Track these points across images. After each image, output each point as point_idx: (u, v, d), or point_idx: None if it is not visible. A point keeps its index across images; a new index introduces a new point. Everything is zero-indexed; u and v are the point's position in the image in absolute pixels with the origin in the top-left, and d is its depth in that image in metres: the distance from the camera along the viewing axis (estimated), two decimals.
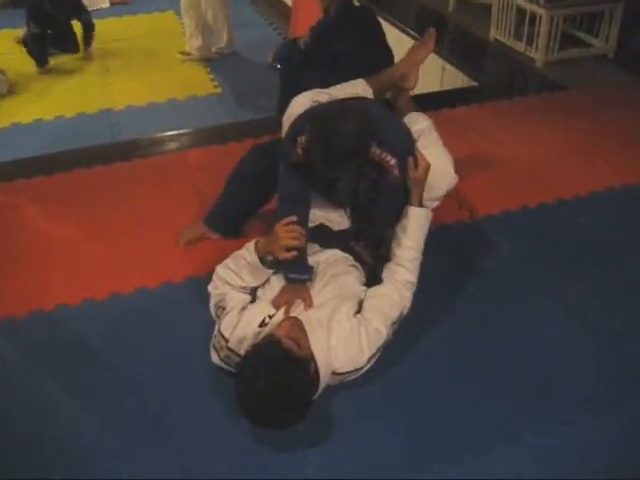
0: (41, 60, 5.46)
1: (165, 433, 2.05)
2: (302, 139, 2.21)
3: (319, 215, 2.47)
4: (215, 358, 2.15)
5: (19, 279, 2.70)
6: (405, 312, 2.22)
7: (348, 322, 2.09)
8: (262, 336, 2.04)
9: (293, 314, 2.13)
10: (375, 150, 2.21)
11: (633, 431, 2.04)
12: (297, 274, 2.26)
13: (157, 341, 2.39)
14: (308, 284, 2.27)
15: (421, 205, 2.32)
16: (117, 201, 3.20)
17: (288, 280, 2.27)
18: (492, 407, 2.11)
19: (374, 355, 2.09)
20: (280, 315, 2.13)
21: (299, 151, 2.24)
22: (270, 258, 2.26)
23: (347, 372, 2.06)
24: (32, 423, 2.10)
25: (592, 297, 2.55)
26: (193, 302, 2.52)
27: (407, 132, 2.41)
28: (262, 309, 2.17)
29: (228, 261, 2.32)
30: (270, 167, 2.45)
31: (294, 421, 1.91)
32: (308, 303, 2.20)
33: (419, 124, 2.49)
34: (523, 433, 2.02)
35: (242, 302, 2.23)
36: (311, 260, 2.34)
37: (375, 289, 2.25)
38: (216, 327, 2.20)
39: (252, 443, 2.00)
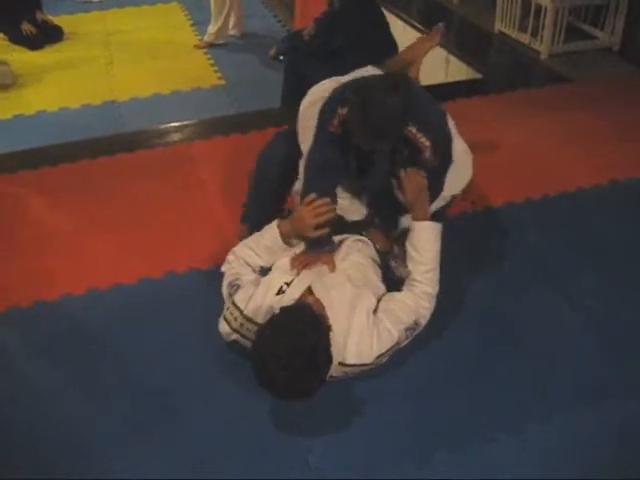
0: (29, 44, 5.57)
1: (169, 420, 2.06)
2: (342, 110, 2.16)
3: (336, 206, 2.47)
4: (225, 328, 2.13)
5: (23, 269, 2.71)
6: (423, 322, 2.18)
7: (366, 316, 2.08)
8: (282, 304, 2.03)
9: (314, 280, 2.12)
10: (411, 129, 2.16)
11: (635, 424, 2.04)
12: (319, 248, 2.26)
13: (161, 331, 2.39)
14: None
15: (426, 218, 2.28)
16: (121, 192, 3.20)
17: (310, 250, 2.27)
18: (495, 399, 2.12)
19: (382, 355, 2.08)
20: (299, 283, 2.11)
21: (336, 122, 2.19)
22: (296, 241, 2.28)
23: (352, 365, 2.05)
24: (36, 412, 2.11)
25: (595, 290, 2.55)
26: (196, 292, 2.53)
27: (444, 118, 2.36)
28: (278, 277, 2.16)
29: (248, 241, 2.33)
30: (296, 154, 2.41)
31: (306, 392, 1.89)
32: (331, 267, 2.21)
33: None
34: (526, 425, 2.02)
35: (256, 280, 2.21)
36: None
37: (391, 294, 2.23)
38: (227, 303, 2.19)
39: (256, 431, 2.01)
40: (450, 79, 4.84)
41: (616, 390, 2.15)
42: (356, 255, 2.30)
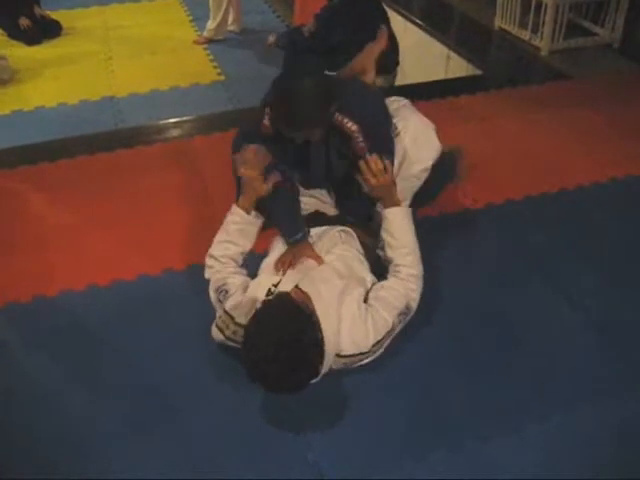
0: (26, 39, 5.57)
1: (168, 417, 2.06)
2: (268, 109, 2.25)
3: (313, 203, 2.52)
4: (219, 337, 2.15)
5: (23, 264, 2.71)
6: (414, 305, 2.21)
7: (357, 305, 2.09)
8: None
9: (301, 278, 2.12)
10: (337, 116, 2.21)
11: (634, 424, 2.03)
12: (293, 235, 2.30)
13: (160, 327, 2.39)
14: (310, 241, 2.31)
15: (396, 203, 2.31)
16: (120, 188, 3.20)
17: (289, 244, 2.31)
18: (493, 395, 2.11)
19: (379, 343, 2.09)
20: (286, 282, 2.12)
21: (266, 122, 2.26)
22: (254, 213, 2.34)
23: (351, 355, 2.05)
24: (35, 408, 2.11)
25: (595, 288, 2.54)
26: (195, 289, 2.51)
27: (377, 103, 2.42)
28: (266, 280, 2.18)
29: (217, 237, 2.35)
30: None
31: (299, 383, 1.89)
32: (318, 260, 2.23)
33: (396, 103, 2.54)
34: (525, 424, 2.02)
35: (244, 283, 2.22)
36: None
37: (380, 283, 2.25)
38: (218, 310, 2.20)
39: (254, 428, 2.01)
40: (450, 75, 4.84)
41: (615, 389, 2.14)
42: (341, 247, 2.31)
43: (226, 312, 2.14)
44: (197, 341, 2.29)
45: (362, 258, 2.33)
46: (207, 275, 2.32)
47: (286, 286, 2.11)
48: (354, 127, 2.22)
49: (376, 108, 2.39)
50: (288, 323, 1.87)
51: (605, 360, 2.24)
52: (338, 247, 2.31)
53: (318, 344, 1.93)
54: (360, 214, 2.51)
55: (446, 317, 2.38)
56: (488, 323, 2.39)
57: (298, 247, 2.29)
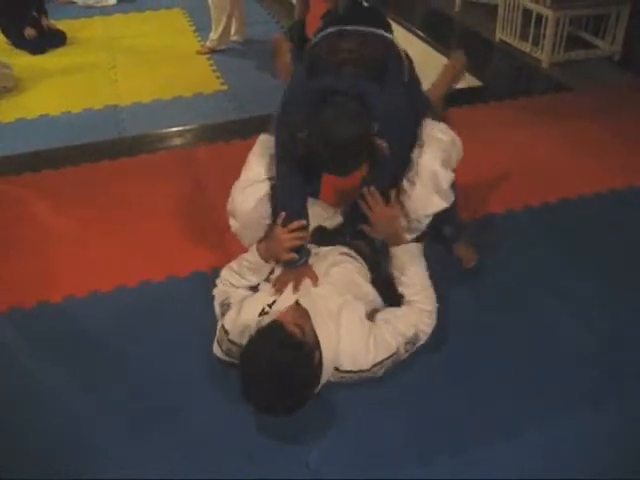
0: (31, 48, 5.61)
1: (169, 423, 2.07)
2: (302, 135, 2.09)
3: (315, 216, 2.47)
4: (218, 352, 2.17)
5: (27, 270, 2.73)
6: (423, 337, 2.20)
7: (359, 321, 2.09)
8: (264, 323, 2.05)
9: (299, 296, 2.13)
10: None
11: (633, 428, 2.04)
12: (293, 265, 2.27)
13: (162, 334, 2.40)
14: (310, 263, 2.29)
15: (402, 241, 2.28)
16: (123, 196, 3.22)
17: (287, 265, 2.28)
18: (495, 402, 2.12)
19: (380, 364, 2.08)
20: (282, 302, 2.13)
21: (301, 148, 2.12)
22: (273, 262, 2.31)
23: (348, 371, 2.06)
24: (36, 413, 2.12)
25: (595, 296, 2.56)
26: (197, 296, 2.53)
27: (408, 122, 2.23)
28: (261, 298, 2.18)
29: (232, 264, 2.36)
30: None
31: (293, 407, 1.91)
32: (314, 280, 2.22)
33: (438, 133, 2.30)
34: (525, 428, 2.03)
35: (245, 298, 2.24)
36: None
37: (392, 309, 2.24)
38: (219, 322, 2.22)
39: (255, 433, 2.02)
40: None
41: (615, 394, 2.15)
42: (341, 266, 2.29)
43: (223, 326, 2.16)
44: (199, 347, 2.29)
45: (365, 277, 2.32)
46: (214, 292, 2.35)
47: (283, 304, 2.11)
48: (384, 143, 2.05)
49: (406, 128, 2.23)
50: (280, 353, 1.87)
51: (605, 367, 2.25)
52: (339, 266, 2.28)
53: (312, 369, 1.94)
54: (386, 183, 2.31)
55: (446, 324, 2.39)
56: (487, 330, 2.40)
57: (299, 269, 2.26)
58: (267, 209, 2.33)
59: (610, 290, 2.59)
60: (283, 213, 2.23)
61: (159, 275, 2.68)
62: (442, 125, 2.34)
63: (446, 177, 2.24)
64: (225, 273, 2.36)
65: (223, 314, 2.23)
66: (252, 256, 2.31)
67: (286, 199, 2.27)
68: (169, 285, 2.64)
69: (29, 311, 2.52)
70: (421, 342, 2.20)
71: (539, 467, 1.92)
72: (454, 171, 2.31)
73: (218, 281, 2.37)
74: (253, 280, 2.33)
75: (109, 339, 2.39)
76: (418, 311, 2.21)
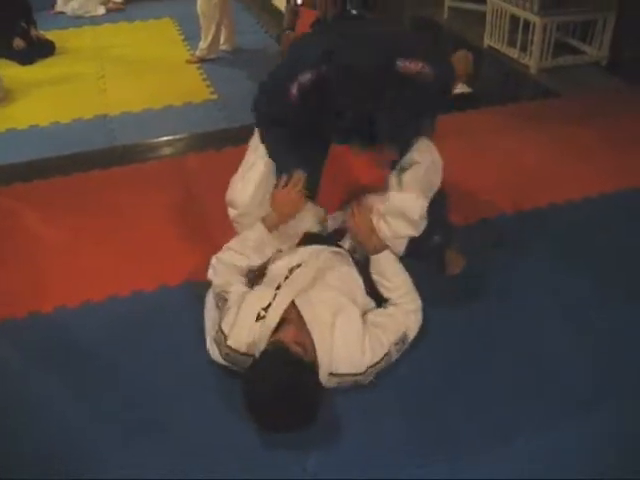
0: (20, 59, 5.60)
1: (163, 432, 2.07)
2: (304, 76, 2.08)
3: (306, 222, 2.50)
4: (215, 354, 2.16)
5: (18, 281, 2.72)
6: (411, 335, 2.23)
7: (355, 324, 2.10)
8: (264, 329, 2.05)
9: (297, 295, 2.12)
10: (400, 63, 2.05)
11: (633, 427, 2.06)
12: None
13: (154, 343, 2.40)
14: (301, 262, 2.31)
15: (379, 250, 2.32)
16: (114, 205, 3.22)
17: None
18: (492, 405, 2.14)
19: (375, 365, 2.10)
20: (279, 303, 2.10)
21: (295, 91, 2.10)
22: (275, 233, 2.38)
23: (344, 374, 2.07)
24: (30, 423, 2.11)
25: (586, 300, 2.57)
26: (189, 305, 2.54)
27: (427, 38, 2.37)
28: (255, 302, 2.14)
29: (231, 244, 2.35)
30: None
31: (299, 426, 1.94)
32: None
33: (421, 155, 2.31)
34: (520, 433, 2.04)
35: (243, 296, 2.20)
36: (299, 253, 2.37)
37: (380, 310, 2.27)
38: (207, 317, 2.25)
39: (252, 439, 2.02)
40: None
41: (612, 394, 2.17)
42: (337, 270, 2.30)
43: (221, 329, 2.14)
44: (192, 356, 2.30)
45: (358, 279, 2.33)
46: (210, 276, 2.33)
47: (280, 306, 2.09)
48: (419, 64, 2.07)
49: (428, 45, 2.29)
50: (288, 378, 1.89)
51: (602, 367, 2.27)
52: (335, 269, 2.30)
53: (315, 391, 1.96)
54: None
55: (441, 330, 2.40)
56: (483, 337, 2.41)
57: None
58: (266, 190, 2.38)
59: (603, 292, 2.61)
60: (283, 178, 2.32)
61: (151, 285, 2.67)
62: (424, 144, 2.34)
63: (419, 209, 2.26)
64: (224, 255, 2.33)
65: (219, 307, 2.23)
66: (254, 233, 2.33)
67: (284, 155, 2.35)
68: (161, 295, 2.64)
69: (21, 322, 2.51)
70: (409, 341, 2.22)
71: (538, 469, 1.93)
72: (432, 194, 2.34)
73: (215, 262, 2.33)
74: (256, 259, 2.34)
75: (101, 349, 2.39)
76: (404, 312, 2.25)
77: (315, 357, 2.01)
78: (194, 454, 1.99)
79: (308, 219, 2.53)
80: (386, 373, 2.18)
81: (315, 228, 2.55)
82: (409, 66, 2.07)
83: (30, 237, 3.04)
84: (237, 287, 2.25)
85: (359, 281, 2.33)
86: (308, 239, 2.47)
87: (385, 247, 2.32)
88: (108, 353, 2.37)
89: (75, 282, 2.71)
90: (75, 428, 2.10)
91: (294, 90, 2.10)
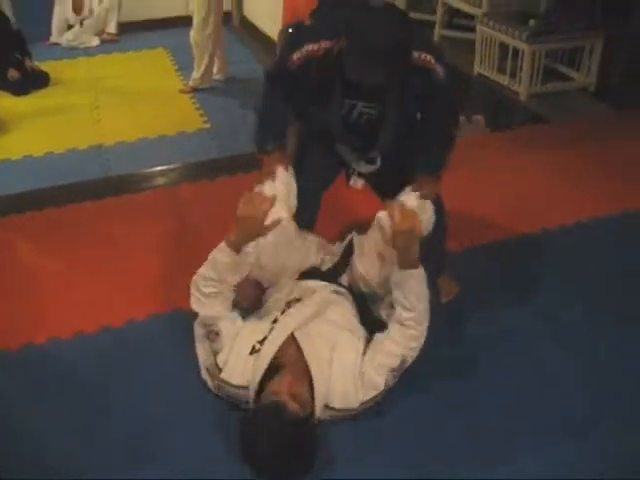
0: (14, 89, 5.64)
1: (155, 460, 2.06)
2: (310, 47, 2.07)
3: (308, 252, 2.48)
4: (208, 381, 2.16)
5: (11, 312, 2.72)
6: (410, 360, 2.17)
7: (352, 360, 2.09)
8: (258, 363, 2.04)
9: (294, 329, 2.11)
10: (419, 54, 2.03)
11: (622, 455, 2.06)
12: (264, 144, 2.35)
13: (147, 373, 2.40)
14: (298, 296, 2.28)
15: (414, 265, 2.10)
16: (108, 235, 3.23)
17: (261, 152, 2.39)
18: (487, 431, 2.14)
19: (368, 402, 2.09)
20: (277, 335, 2.08)
21: (296, 57, 2.10)
22: (244, 251, 2.19)
23: (338, 409, 2.06)
24: (22, 454, 2.10)
25: (579, 324, 2.59)
26: (182, 335, 2.52)
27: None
28: (250, 335, 2.13)
29: (204, 271, 2.21)
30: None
31: (300, 477, 1.93)
32: (285, 165, 2.33)
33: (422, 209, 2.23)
34: (517, 456, 2.05)
35: (236, 329, 2.18)
36: (299, 287, 2.35)
37: (378, 339, 2.18)
38: (199, 345, 2.22)
39: (242, 473, 2.00)
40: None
41: (599, 420, 2.18)
42: (338, 305, 2.29)
43: (215, 363, 2.13)
44: (185, 385, 2.30)
45: (355, 313, 2.32)
46: (193, 306, 2.24)
47: (278, 338, 2.08)
48: (428, 57, 2.05)
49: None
50: (285, 435, 1.87)
51: (591, 393, 2.29)
52: (336, 304, 2.29)
53: (313, 445, 1.95)
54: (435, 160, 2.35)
55: (436, 354, 2.39)
56: (476, 360, 2.42)
57: (272, 159, 2.32)
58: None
59: (594, 318, 2.63)
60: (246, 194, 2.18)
61: (144, 314, 2.67)
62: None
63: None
64: (201, 283, 2.20)
65: (210, 339, 2.18)
66: (223, 256, 2.17)
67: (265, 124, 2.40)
68: (154, 324, 2.64)
69: (14, 354, 2.50)
70: (407, 364, 2.16)
71: None
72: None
73: (195, 291, 2.22)
74: (234, 280, 2.22)
75: (94, 380, 2.38)
76: (407, 337, 2.14)
77: (313, 403, 2.00)
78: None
79: (313, 252, 2.49)
80: (387, 397, 2.17)
81: (315, 259, 2.50)
82: (424, 57, 2.05)
83: (24, 268, 3.04)
84: (227, 323, 2.19)
85: (357, 317, 2.31)
86: (307, 273, 2.45)
87: (419, 264, 2.11)
88: (101, 384, 2.36)
89: (68, 313, 2.71)
90: (67, 460, 2.08)
91: (295, 57, 2.11)
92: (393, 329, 2.18)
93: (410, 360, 2.18)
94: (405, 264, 2.10)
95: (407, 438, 2.13)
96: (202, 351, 2.25)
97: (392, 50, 1.89)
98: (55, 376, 2.41)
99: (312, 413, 2.00)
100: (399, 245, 2.07)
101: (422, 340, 2.19)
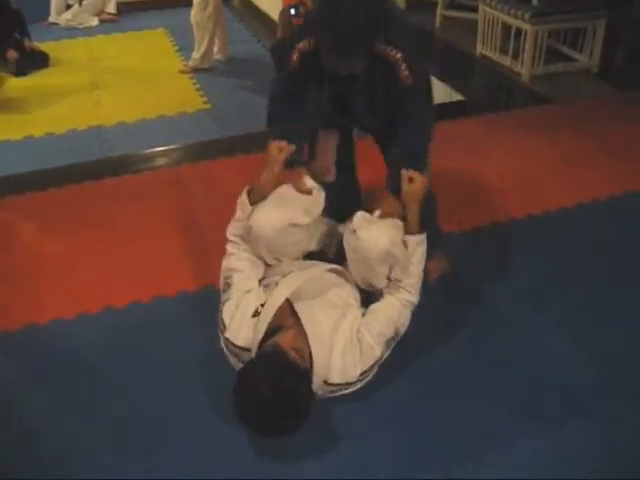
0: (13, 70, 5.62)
1: (160, 445, 2.07)
2: (301, 44, 2.19)
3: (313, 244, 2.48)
4: (221, 340, 2.15)
5: (13, 294, 2.72)
6: (403, 330, 2.20)
7: (349, 334, 2.09)
8: (257, 325, 2.05)
9: (294, 287, 2.12)
10: (380, 45, 2.12)
11: (622, 440, 2.06)
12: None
13: (151, 355, 2.40)
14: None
15: (419, 229, 2.24)
16: (108, 216, 3.22)
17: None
18: (484, 417, 2.14)
19: (366, 372, 2.10)
20: (271, 302, 2.08)
21: (295, 58, 2.22)
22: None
23: (337, 384, 2.06)
24: (25, 437, 2.11)
25: (580, 308, 2.59)
26: (185, 315, 2.55)
27: (414, 30, 2.40)
28: (255, 299, 2.15)
29: (234, 217, 2.35)
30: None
31: (290, 431, 1.92)
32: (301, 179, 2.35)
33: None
34: (514, 442, 2.05)
35: (246, 287, 2.19)
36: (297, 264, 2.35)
37: (374, 305, 2.23)
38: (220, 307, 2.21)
39: (246, 455, 2.02)
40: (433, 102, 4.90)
41: (599, 406, 2.17)
42: (339, 286, 2.28)
43: (221, 318, 2.14)
44: (188, 369, 2.30)
45: (357, 295, 2.31)
46: (227, 247, 2.34)
47: (272, 304, 2.07)
48: (398, 55, 2.13)
49: (413, 37, 2.34)
50: (282, 381, 1.87)
51: (591, 378, 2.28)
52: (337, 285, 2.28)
53: (311, 394, 1.96)
54: (415, 153, 2.36)
55: (434, 340, 2.41)
56: (474, 343, 2.42)
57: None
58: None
59: (595, 301, 2.62)
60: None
61: (146, 295, 2.67)
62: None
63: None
64: (232, 229, 2.34)
65: (224, 290, 2.22)
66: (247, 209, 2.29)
67: (279, 110, 2.40)
68: (157, 305, 2.64)
69: (16, 334, 2.51)
70: (400, 336, 2.19)
71: (538, 474, 1.95)
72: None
73: (229, 246, 2.33)
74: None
75: (96, 360, 2.38)
76: (401, 304, 2.20)
77: (311, 365, 2.01)
78: (187, 465, 1.99)
79: (322, 234, 2.51)
80: (380, 384, 2.18)
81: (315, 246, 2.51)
82: (394, 54, 2.13)
83: (24, 249, 3.04)
84: (241, 277, 2.23)
85: (358, 295, 2.30)
86: (309, 256, 2.45)
87: (422, 230, 2.26)
88: (103, 364, 2.37)
89: (70, 293, 2.71)
90: (69, 443, 2.09)
91: (294, 58, 2.23)
92: (389, 296, 2.23)
93: (402, 331, 2.20)
94: (411, 222, 2.24)
95: (395, 423, 2.12)
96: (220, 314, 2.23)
97: (351, 37, 2.00)
98: (57, 356, 2.41)
99: (310, 374, 1.99)
100: (411, 203, 2.23)
101: (413, 308, 2.23)
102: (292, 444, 2.00)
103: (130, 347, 2.44)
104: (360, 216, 2.23)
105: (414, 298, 2.23)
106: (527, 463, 1.98)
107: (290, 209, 2.26)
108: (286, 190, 2.33)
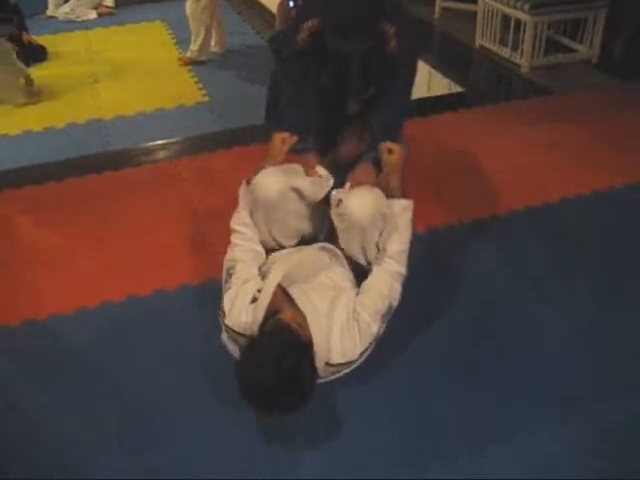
0: None
1: (160, 439, 2.06)
2: (309, 23, 2.27)
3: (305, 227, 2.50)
4: (224, 336, 2.16)
5: (12, 288, 2.71)
6: (395, 304, 2.21)
7: (346, 314, 2.10)
8: (255, 311, 2.04)
9: (285, 270, 2.13)
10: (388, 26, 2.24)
11: (622, 431, 2.06)
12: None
13: (150, 349, 2.40)
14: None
15: (402, 194, 2.33)
16: (108, 210, 3.22)
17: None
18: (485, 408, 2.14)
19: (366, 350, 2.10)
20: (267, 288, 2.08)
21: (301, 37, 2.30)
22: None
23: (339, 364, 2.06)
24: (24, 432, 2.11)
25: (581, 299, 2.58)
26: (185, 310, 2.54)
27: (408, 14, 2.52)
28: (251, 288, 2.15)
29: (237, 209, 2.40)
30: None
31: (294, 407, 1.92)
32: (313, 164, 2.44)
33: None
34: (515, 433, 2.05)
35: (246, 276, 2.20)
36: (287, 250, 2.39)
37: (365, 283, 2.24)
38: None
39: (244, 444, 2.02)
40: (433, 93, 4.89)
41: (604, 397, 2.17)
42: (331, 269, 2.29)
43: (222, 306, 2.14)
44: (188, 361, 2.30)
45: (351, 277, 2.32)
46: (228, 249, 2.34)
47: (267, 290, 2.06)
48: (392, 29, 2.25)
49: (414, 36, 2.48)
50: (287, 354, 1.87)
51: (594, 369, 2.28)
52: (330, 268, 2.29)
53: (313, 369, 1.96)
54: (391, 126, 2.49)
55: (435, 331, 2.41)
56: (474, 334, 2.42)
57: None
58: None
59: (596, 292, 2.62)
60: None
61: (146, 289, 2.67)
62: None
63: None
64: (235, 220, 2.37)
65: (226, 281, 2.22)
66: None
67: (290, 89, 2.50)
68: (156, 299, 2.63)
69: (15, 329, 2.50)
70: (393, 309, 2.21)
71: (528, 472, 1.94)
72: None
73: (233, 237, 2.35)
74: None
75: (97, 356, 2.38)
76: (390, 275, 2.22)
77: (311, 341, 2.00)
78: (189, 461, 1.99)
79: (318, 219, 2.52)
80: (382, 370, 2.19)
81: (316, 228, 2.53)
82: (389, 29, 2.24)
83: (23, 243, 3.03)
84: (243, 266, 2.24)
85: (351, 275, 2.32)
86: (301, 241, 2.48)
87: (408, 199, 2.33)
88: (103, 360, 2.36)
89: (69, 288, 2.70)
90: (69, 437, 2.09)
91: (299, 38, 2.32)
92: (378, 269, 2.25)
93: (395, 304, 2.21)
94: (395, 190, 2.34)
95: (396, 411, 2.13)
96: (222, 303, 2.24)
97: (358, 21, 2.12)
98: (56, 352, 2.41)
99: (312, 348, 1.99)
100: (393, 170, 2.36)
101: (403, 280, 2.24)
102: (292, 428, 2.02)
103: (130, 342, 2.43)
104: (340, 189, 2.35)
105: (403, 269, 2.25)
106: (528, 454, 1.98)
107: (296, 176, 2.37)
108: (295, 165, 2.42)
